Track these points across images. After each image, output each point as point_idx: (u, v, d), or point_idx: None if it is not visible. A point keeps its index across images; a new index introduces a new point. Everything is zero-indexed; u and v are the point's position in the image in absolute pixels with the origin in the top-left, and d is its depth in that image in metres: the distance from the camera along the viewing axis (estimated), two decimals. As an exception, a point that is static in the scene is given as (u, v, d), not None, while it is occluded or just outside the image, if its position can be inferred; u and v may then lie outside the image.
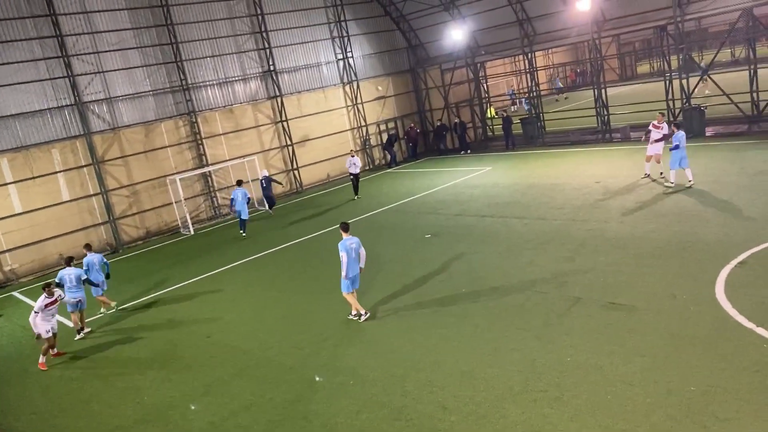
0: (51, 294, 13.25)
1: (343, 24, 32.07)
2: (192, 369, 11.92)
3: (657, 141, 19.25)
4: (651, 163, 19.83)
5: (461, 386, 9.39)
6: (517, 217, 18.36)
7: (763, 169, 18.47)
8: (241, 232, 22.66)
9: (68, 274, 14.66)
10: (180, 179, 24.92)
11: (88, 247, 16.36)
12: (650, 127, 19.58)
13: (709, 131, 25.32)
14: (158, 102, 25.86)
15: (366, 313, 12.70)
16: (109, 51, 24.38)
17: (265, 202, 26.33)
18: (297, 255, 18.96)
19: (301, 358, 11.50)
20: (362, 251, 12.51)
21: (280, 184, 28.29)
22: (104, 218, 24.20)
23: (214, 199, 27.49)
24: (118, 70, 24.64)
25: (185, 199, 25.47)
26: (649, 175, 19.95)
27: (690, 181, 18.21)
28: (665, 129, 19.08)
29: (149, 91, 25.58)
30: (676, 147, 17.90)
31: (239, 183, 23.36)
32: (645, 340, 9.75)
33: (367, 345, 11.55)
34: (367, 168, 33.54)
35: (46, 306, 13.09)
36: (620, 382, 8.69)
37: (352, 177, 26.09)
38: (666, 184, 18.64)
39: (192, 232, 24.96)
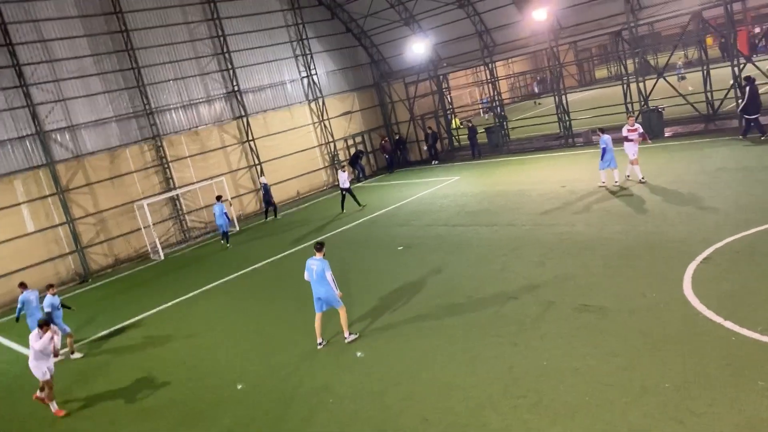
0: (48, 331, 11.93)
1: (305, 42, 32.21)
2: (168, 397, 11.73)
3: (630, 141, 19.20)
4: (638, 165, 19.25)
5: (441, 397, 9.43)
6: (486, 225, 18.56)
7: (720, 166, 19.01)
8: (226, 244, 23.98)
9: (47, 301, 14.71)
10: (148, 204, 24.64)
11: (23, 285, 16.03)
12: (626, 132, 19.39)
13: (667, 132, 25.99)
14: (122, 128, 25.57)
15: (320, 343, 12.35)
16: (69, 79, 24.07)
17: (270, 209, 27.74)
18: (269, 275, 18.84)
19: (279, 379, 11.41)
20: (327, 274, 11.84)
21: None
22: (71, 248, 23.76)
23: (184, 222, 27.21)
24: (79, 97, 24.33)
25: (154, 224, 25.15)
26: (643, 179, 19.23)
27: (616, 182, 19.60)
28: (640, 128, 19.37)
29: (112, 117, 25.29)
30: (605, 150, 19.27)
31: (218, 198, 24.39)
32: (618, 340, 9.93)
33: (344, 362, 11.51)
34: (337, 183, 33.54)
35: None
36: (597, 383, 8.83)
37: (344, 192, 25.73)
38: (599, 185, 19.67)
39: (162, 257, 24.65)
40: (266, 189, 27.56)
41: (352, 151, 34.39)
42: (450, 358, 10.67)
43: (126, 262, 25.28)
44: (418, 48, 31.35)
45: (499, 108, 32.98)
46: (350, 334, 12.37)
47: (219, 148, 28.76)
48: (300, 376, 11.30)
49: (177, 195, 26.82)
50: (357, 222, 23.14)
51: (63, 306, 15.33)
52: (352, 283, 15.99)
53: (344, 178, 25.69)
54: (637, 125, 19.62)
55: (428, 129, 33.83)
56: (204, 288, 18.75)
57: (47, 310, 14.61)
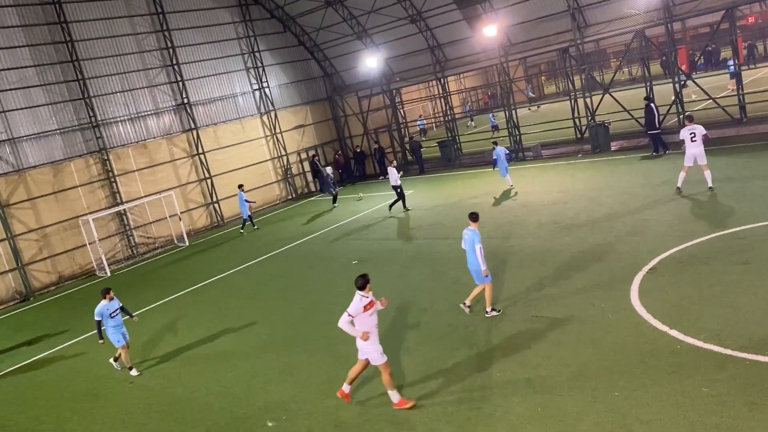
0: (368, 291, 9.51)
1: (257, 54, 31.98)
2: (115, 416, 11.34)
3: (694, 141, 17.41)
4: (685, 174, 17.80)
5: (396, 411, 9.36)
6: (440, 238, 18.66)
7: (665, 179, 19.60)
8: (253, 226, 26.65)
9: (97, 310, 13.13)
10: (93, 219, 23.89)
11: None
12: (689, 133, 17.44)
13: (614, 145, 26.73)
14: (66, 140, 24.79)
15: (494, 310, 12.10)
16: (10, 90, 23.23)
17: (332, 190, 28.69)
18: (220, 291, 18.44)
19: (231, 398, 11.15)
20: (477, 247, 11.68)
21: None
22: (12, 265, 22.81)
23: (131, 238, 26.49)
24: (20, 109, 23.49)
25: (100, 240, 24.40)
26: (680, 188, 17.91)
27: (511, 186, 23.15)
28: (702, 129, 17.53)
29: (56, 130, 24.49)
30: (495, 161, 23.26)
31: (240, 187, 26.80)
32: (569, 350, 10.08)
33: (298, 378, 11.34)
34: (290, 197, 33.35)
35: (365, 308, 9.37)
36: (549, 394, 8.92)
37: (397, 190, 23.70)
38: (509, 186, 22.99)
39: (108, 274, 23.90)
40: (326, 177, 28.87)
41: (305, 165, 34.20)
42: (405, 371, 10.62)
43: (70, 279, 24.41)
44: (370, 62, 31.49)
45: (450, 122, 33.33)
46: (492, 309, 12.14)
47: (168, 162, 28.17)
48: (253, 394, 11.07)
49: (124, 210, 26.11)
50: (312, 236, 22.95)
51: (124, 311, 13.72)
52: (307, 296, 15.83)
53: (394, 176, 23.46)
54: (697, 126, 17.62)
55: (375, 144, 33.92)
56: (152, 305, 18.26)
57: (97, 318, 13.12)
